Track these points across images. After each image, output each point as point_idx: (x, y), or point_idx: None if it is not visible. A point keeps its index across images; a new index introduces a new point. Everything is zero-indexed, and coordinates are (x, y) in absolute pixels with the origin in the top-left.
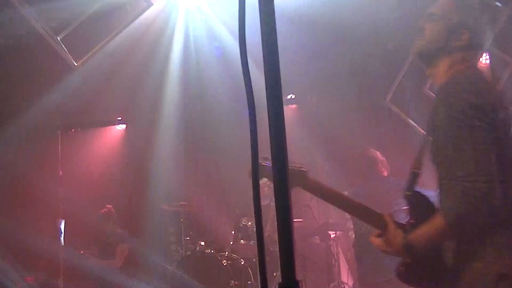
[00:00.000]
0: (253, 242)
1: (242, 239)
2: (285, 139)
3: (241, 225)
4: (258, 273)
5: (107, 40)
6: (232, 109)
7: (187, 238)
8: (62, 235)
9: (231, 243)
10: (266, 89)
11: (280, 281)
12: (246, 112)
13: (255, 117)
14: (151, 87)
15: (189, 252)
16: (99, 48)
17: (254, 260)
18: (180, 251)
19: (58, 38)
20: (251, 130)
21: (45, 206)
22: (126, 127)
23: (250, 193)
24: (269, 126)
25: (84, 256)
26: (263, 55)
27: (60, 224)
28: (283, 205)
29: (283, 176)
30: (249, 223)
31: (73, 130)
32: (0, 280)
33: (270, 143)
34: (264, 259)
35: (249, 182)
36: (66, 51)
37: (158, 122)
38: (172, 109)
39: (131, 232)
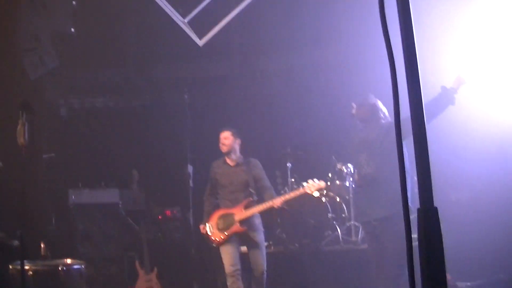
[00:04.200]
0: (346, 183)
1: (337, 180)
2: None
3: (336, 169)
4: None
5: (228, 19)
6: None
7: (292, 179)
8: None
9: (328, 183)
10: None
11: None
12: None
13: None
14: None
15: None
16: (220, 27)
17: (347, 197)
18: (287, 190)
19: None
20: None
21: None
22: None
23: (344, 143)
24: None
25: None
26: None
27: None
28: (420, 140)
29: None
30: (343, 167)
31: None
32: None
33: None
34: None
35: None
36: (192, 31)
37: None
38: None
39: None
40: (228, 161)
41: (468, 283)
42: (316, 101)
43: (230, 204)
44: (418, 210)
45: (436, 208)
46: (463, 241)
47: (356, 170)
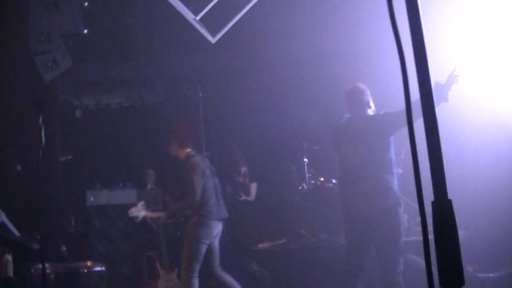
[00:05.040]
0: None
1: None
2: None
3: None
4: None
5: (240, 15)
6: None
7: (309, 175)
8: None
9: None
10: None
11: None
12: None
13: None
14: None
15: (312, 186)
16: (233, 23)
17: None
18: (305, 186)
19: (196, 18)
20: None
21: None
22: None
23: None
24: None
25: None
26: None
27: None
28: (432, 131)
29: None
30: None
31: None
32: None
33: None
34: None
35: None
36: (204, 28)
37: None
38: None
39: (257, 171)
40: None
41: (490, 274)
42: (331, 94)
43: None
44: (432, 202)
45: (450, 200)
46: (484, 232)
47: (340, 162)
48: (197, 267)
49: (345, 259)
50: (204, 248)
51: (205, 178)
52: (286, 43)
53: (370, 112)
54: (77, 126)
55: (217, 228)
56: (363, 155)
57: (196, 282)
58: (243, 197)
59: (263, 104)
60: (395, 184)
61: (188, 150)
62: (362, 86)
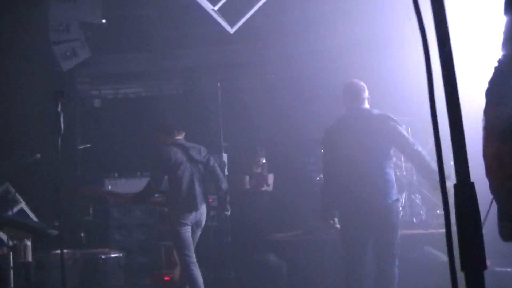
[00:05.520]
0: None
1: None
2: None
3: None
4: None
5: (258, 6)
6: None
7: None
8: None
9: None
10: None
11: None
12: None
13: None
14: None
15: None
16: (251, 13)
17: None
18: (322, 177)
19: (214, 7)
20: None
21: None
22: None
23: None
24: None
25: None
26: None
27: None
28: (455, 112)
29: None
30: None
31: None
32: None
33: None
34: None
35: None
36: (222, 18)
37: None
38: None
39: (275, 162)
40: None
41: (508, 269)
42: None
43: None
44: (455, 186)
45: (472, 183)
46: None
47: (335, 157)
48: (189, 252)
49: (347, 258)
50: (184, 233)
51: (173, 167)
52: (306, 35)
53: (366, 106)
54: (95, 115)
55: (191, 216)
56: (365, 146)
57: (193, 267)
58: (265, 187)
59: (282, 96)
60: (394, 178)
61: (176, 138)
62: (361, 82)
